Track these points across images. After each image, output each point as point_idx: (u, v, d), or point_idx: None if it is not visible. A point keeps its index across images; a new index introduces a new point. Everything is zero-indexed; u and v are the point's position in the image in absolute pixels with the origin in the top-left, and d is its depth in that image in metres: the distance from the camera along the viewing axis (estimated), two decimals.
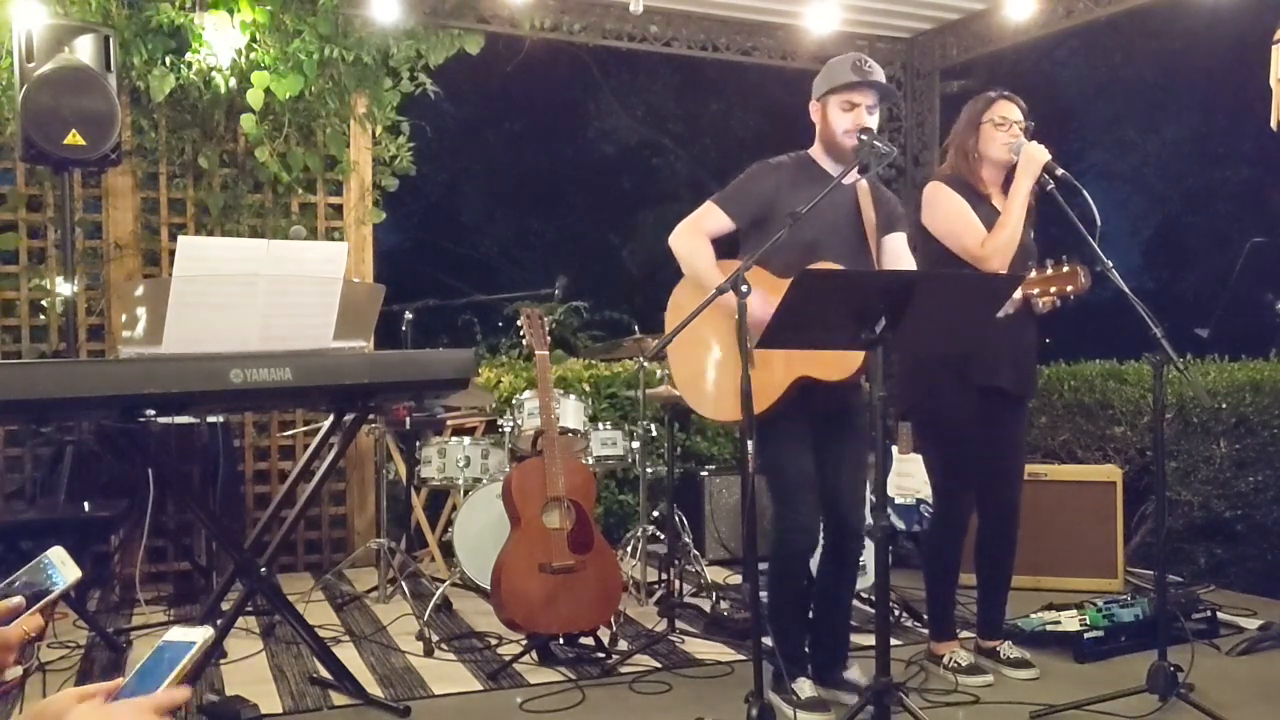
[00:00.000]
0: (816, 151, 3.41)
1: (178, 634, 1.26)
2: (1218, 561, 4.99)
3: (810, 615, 3.46)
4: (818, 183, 3.26)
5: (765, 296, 2.99)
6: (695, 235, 3.32)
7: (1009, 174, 3.53)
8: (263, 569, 3.37)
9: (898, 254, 3.39)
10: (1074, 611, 3.99)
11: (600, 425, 4.92)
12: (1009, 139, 3.49)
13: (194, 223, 5.29)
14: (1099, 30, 10.64)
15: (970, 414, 3.52)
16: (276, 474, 5.44)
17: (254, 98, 5.12)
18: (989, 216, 3.48)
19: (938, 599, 3.73)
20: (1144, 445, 5.19)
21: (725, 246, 3.36)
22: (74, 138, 4.37)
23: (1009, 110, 3.53)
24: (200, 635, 1.24)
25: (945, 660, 3.62)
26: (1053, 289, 3.14)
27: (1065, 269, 3.13)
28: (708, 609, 4.42)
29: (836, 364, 3.17)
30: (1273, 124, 3.82)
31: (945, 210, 3.54)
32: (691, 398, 3.39)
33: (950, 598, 3.76)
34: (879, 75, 3.31)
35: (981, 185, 3.56)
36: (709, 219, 3.34)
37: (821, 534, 3.36)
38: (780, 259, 3.11)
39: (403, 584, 4.68)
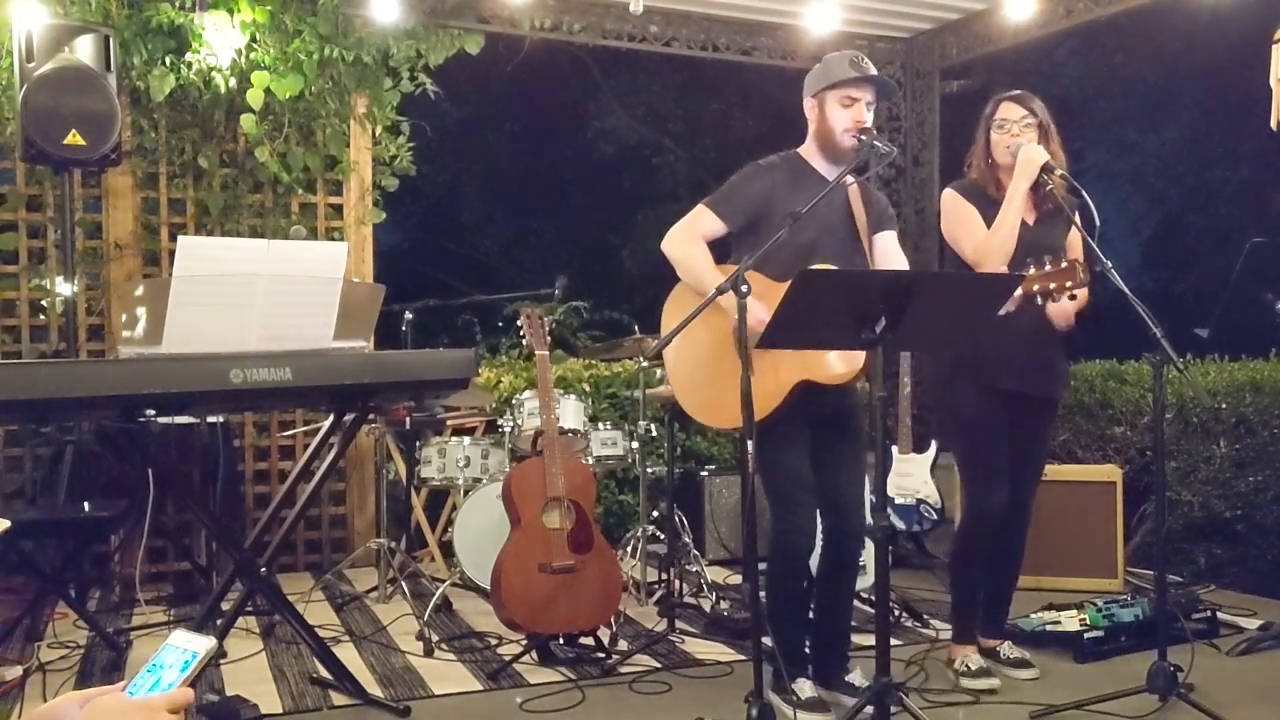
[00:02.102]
0: (808, 150, 3.39)
1: (182, 640, 1.26)
2: (1218, 561, 4.99)
3: (810, 616, 3.45)
4: (811, 182, 3.25)
5: (759, 305, 2.97)
6: (689, 239, 3.30)
7: None
8: (263, 569, 3.37)
9: (888, 253, 3.39)
10: (1074, 611, 3.99)
11: (600, 425, 4.92)
12: (1009, 141, 3.51)
13: (194, 223, 5.29)
14: (1099, 30, 10.62)
15: (990, 414, 3.53)
16: (276, 474, 5.44)
17: (254, 98, 5.12)
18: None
19: (962, 602, 3.71)
20: (1144, 445, 5.18)
21: (716, 251, 3.34)
22: (74, 138, 4.37)
23: (1009, 111, 3.54)
24: (204, 646, 1.25)
25: (956, 663, 3.62)
26: (1052, 285, 3.16)
27: (1063, 265, 3.16)
28: (708, 609, 4.42)
29: (837, 367, 3.17)
30: (1273, 124, 3.82)
31: (951, 216, 3.60)
32: (690, 405, 3.37)
33: (975, 602, 3.72)
34: (874, 72, 3.32)
35: (997, 190, 3.55)
36: (702, 222, 3.31)
37: (821, 535, 3.36)
38: (777, 262, 3.08)
39: (403, 584, 4.68)
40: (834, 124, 3.28)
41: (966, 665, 3.60)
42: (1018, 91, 3.59)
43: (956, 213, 3.57)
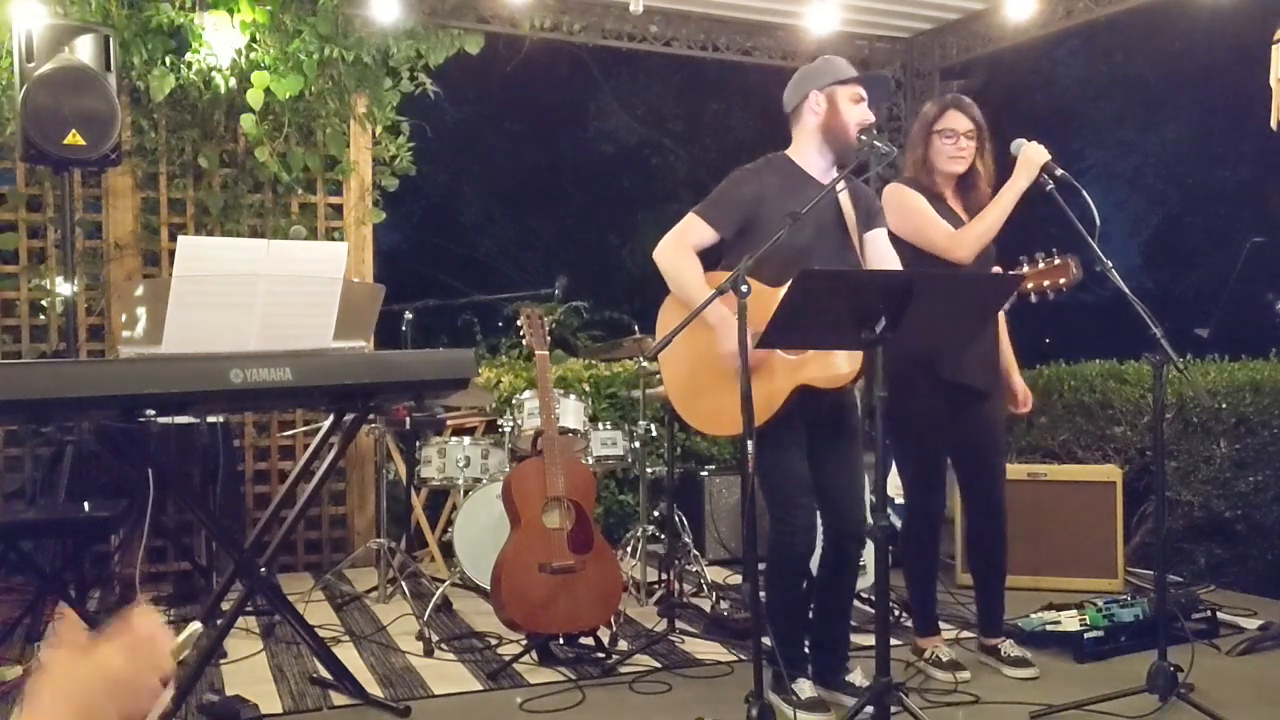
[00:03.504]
0: (801, 151, 3.37)
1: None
2: (1218, 561, 4.99)
3: (810, 616, 3.45)
4: (802, 184, 3.25)
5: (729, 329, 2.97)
6: (680, 250, 3.28)
7: (959, 181, 3.60)
8: (263, 569, 3.36)
9: (880, 251, 3.38)
10: (1074, 611, 3.99)
11: (600, 425, 4.92)
12: (955, 151, 3.54)
13: (194, 223, 5.29)
14: (1099, 30, 10.64)
15: (941, 410, 3.56)
16: (276, 474, 5.44)
17: (254, 98, 5.12)
18: (946, 216, 3.54)
19: (919, 597, 3.78)
20: (1144, 445, 5.18)
21: (706, 257, 3.33)
22: (74, 138, 4.37)
23: (955, 121, 3.56)
24: (186, 632, 1.25)
25: (927, 654, 3.67)
26: (1045, 282, 3.18)
27: (1057, 261, 3.17)
28: (708, 609, 4.42)
29: (835, 371, 3.17)
30: (1273, 124, 3.82)
31: (907, 209, 3.57)
32: (688, 414, 3.36)
33: (931, 594, 3.79)
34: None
35: (936, 188, 3.61)
36: (693, 232, 3.29)
37: (821, 535, 3.36)
38: (772, 266, 3.07)
39: (403, 584, 4.68)
40: (848, 119, 3.27)
41: (937, 656, 3.65)
42: (961, 98, 3.60)
43: (913, 204, 3.56)
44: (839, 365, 3.17)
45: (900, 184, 3.63)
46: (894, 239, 3.58)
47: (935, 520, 3.75)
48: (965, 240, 3.43)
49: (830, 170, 3.32)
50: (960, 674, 3.56)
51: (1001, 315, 3.64)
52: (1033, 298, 3.23)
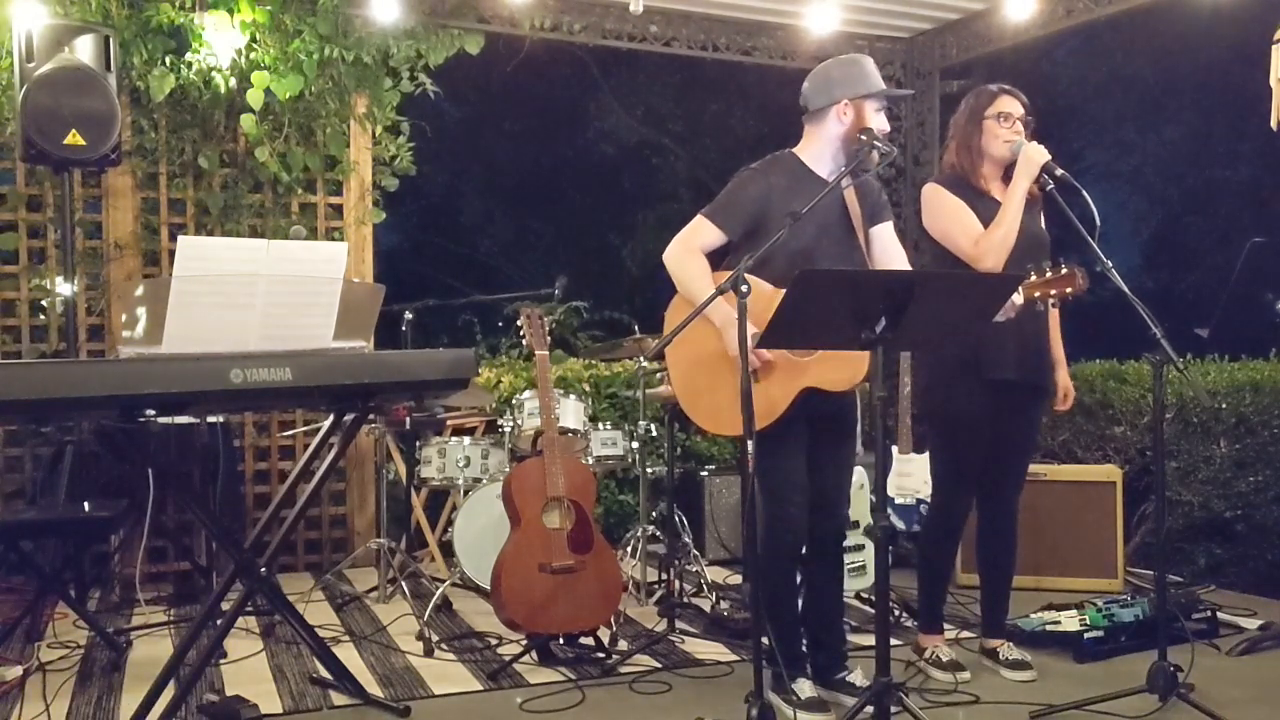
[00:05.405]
0: (812, 153, 3.36)
1: None
2: (1218, 561, 4.99)
3: (800, 610, 3.45)
4: (809, 184, 3.25)
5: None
6: (688, 252, 3.28)
7: (1009, 169, 3.54)
8: (263, 569, 3.36)
9: (886, 246, 3.38)
10: (1074, 611, 3.99)
11: (600, 425, 4.92)
12: (1011, 135, 3.50)
13: (194, 223, 5.29)
14: (1099, 30, 10.64)
15: (987, 411, 3.53)
16: (276, 474, 5.44)
17: (254, 98, 5.12)
18: (989, 210, 3.49)
19: (929, 594, 3.77)
20: (1144, 445, 5.19)
21: (714, 255, 3.33)
22: (74, 138, 4.37)
23: (1011, 105, 3.54)
24: None
25: (928, 653, 3.67)
26: (1051, 291, 3.17)
27: (1063, 271, 3.16)
28: (708, 609, 4.42)
29: (841, 374, 3.17)
30: (1273, 124, 3.82)
31: (940, 211, 3.55)
32: (693, 411, 3.36)
33: (942, 594, 3.79)
34: None
35: (981, 180, 3.57)
36: (701, 234, 3.29)
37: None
38: (775, 266, 3.08)
39: (403, 584, 4.68)
40: (876, 130, 3.26)
41: (937, 656, 3.65)
42: (1008, 86, 3.58)
43: (946, 207, 3.53)
44: (845, 368, 3.16)
45: (937, 184, 3.60)
46: (929, 238, 3.59)
47: (960, 520, 3.73)
48: (989, 249, 3.40)
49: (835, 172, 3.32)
50: (960, 674, 3.56)
51: (1054, 310, 3.61)
52: (1038, 306, 3.22)
